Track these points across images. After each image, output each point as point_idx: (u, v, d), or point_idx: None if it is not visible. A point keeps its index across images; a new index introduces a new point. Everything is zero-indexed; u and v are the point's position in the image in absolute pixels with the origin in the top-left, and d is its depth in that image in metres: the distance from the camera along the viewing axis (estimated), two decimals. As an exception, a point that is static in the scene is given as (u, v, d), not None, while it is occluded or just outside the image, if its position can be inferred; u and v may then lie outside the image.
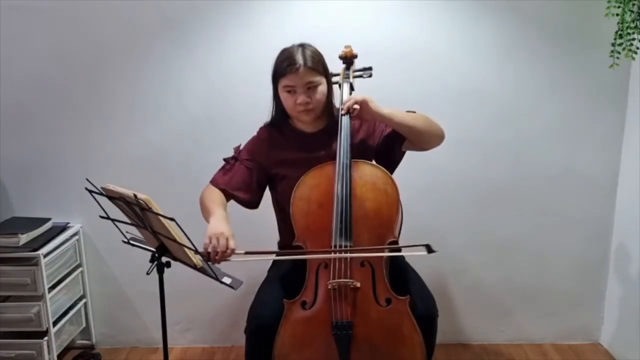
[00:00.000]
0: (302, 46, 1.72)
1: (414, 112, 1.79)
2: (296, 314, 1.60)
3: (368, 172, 1.68)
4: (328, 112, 1.78)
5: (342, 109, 1.71)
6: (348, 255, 1.58)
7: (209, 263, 1.48)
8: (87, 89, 2.33)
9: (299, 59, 1.67)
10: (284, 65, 1.68)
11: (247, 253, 1.54)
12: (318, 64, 1.70)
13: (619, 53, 1.84)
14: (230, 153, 1.85)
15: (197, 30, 2.26)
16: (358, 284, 1.57)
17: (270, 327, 1.60)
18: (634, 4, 1.78)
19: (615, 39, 1.84)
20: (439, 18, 2.24)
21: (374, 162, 1.76)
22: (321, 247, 1.61)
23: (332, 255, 1.59)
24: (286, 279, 1.74)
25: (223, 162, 1.85)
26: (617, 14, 1.82)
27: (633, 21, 1.78)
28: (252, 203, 1.83)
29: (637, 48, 1.83)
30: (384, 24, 2.24)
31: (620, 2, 1.80)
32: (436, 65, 2.28)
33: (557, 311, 2.51)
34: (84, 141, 2.38)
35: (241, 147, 1.86)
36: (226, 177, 1.81)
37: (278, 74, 1.71)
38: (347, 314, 1.55)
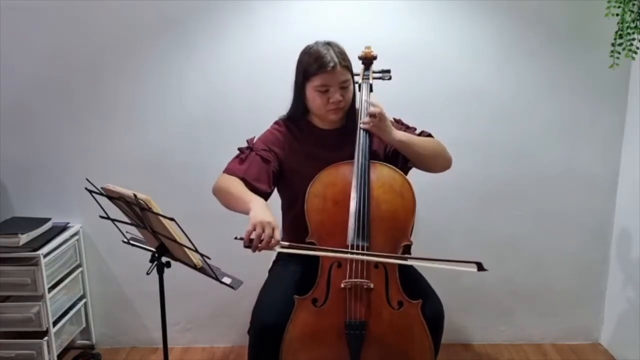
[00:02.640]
0: (329, 44, 1.69)
1: (430, 134, 1.80)
2: (307, 311, 1.59)
3: (386, 174, 1.69)
4: (350, 111, 1.78)
5: (361, 123, 1.70)
6: (401, 261, 1.58)
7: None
8: (87, 89, 2.33)
9: (333, 57, 1.64)
10: (317, 64, 1.65)
11: (290, 246, 1.54)
12: (349, 63, 1.70)
13: (619, 53, 1.84)
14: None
15: (197, 30, 2.26)
16: (372, 285, 1.57)
17: (276, 327, 1.59)
18: (634, 4, 1.78)
19: (615, 39, 1.85)
20: (439, 18, 2.24)
21: None
22: (335, 244, 1.60)
23: (388, 259, 1.58)
24: (291, 278, 1.73)
25: (237, 152, 1.81)
26: (617, 14, 1.83)
27: (633, 21, 1.78)
28: (266, 195, 1.76)
29: (637, 48, 1.83)
30: (384, 24, 2.24)
31: (620, 2, 1.81)
32: (436, 65, 2.28)
33: (557, 311, 2.51)
34: (84, 141, 2.38)
35: (256, 139, 1.83)
36: (243, 166, 1.75)
37: (309, 73, 1.66)
38: (361, 314, 1.55)
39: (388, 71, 1.86)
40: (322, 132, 1.80)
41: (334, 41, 1.72)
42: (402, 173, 1.70)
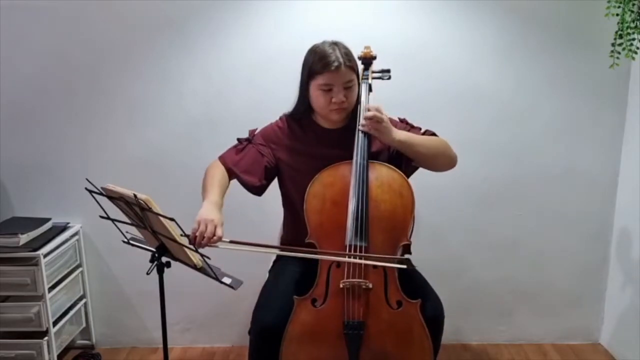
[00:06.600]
0: (336, 44, 1.70)
1: (434, 133, 1.80)
2: (306, 311, 1.59)
3: (384, 173, 1.68)
4: (353, 110, 1.78)
5: (359, 125, 1.70)
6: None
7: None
8: (87, 89, 2.33)
9: (339, 57, 1.65)
10: (321, 63, 1.66)
11: (232, 242, 1.54)
12: (355, 63, 1.71)
13: (619, 53, 1.84)
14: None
15: (197, 30, 2.26)
16: (371, 285, 1.57)
17: (276, 327, 1.59)
18: (634, 4, 1.78)
19: (615, 39, 1.84)
20: (438, 18, 2.24)
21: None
22: (334, 245, 1.61)
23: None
24: (291, 278, 1.73)
25: (236, 142, 1.83)
26: (617, 14, 1.82)
27: (633, 21, 1.78)
28: (256, 188, 1.79)
29: (637, 48, 1.83)
30: (384, 24, 2.24)
31: (620, 2, 1.80)
32: (436, 65, 2.28)
33: (557, 311, 2.51)
34: (84, 141, 2.38)
35: (257, 132, 1.84)
36: (237, 157, 1.78)
37: (314, 72, 1.67)
38: (359, 314, 1.56)
39: (388, 71, 1.86)
40: (324, 131, 1.80)
41: (340, 41, 1.73)
42: (401, 172, 1.69)
